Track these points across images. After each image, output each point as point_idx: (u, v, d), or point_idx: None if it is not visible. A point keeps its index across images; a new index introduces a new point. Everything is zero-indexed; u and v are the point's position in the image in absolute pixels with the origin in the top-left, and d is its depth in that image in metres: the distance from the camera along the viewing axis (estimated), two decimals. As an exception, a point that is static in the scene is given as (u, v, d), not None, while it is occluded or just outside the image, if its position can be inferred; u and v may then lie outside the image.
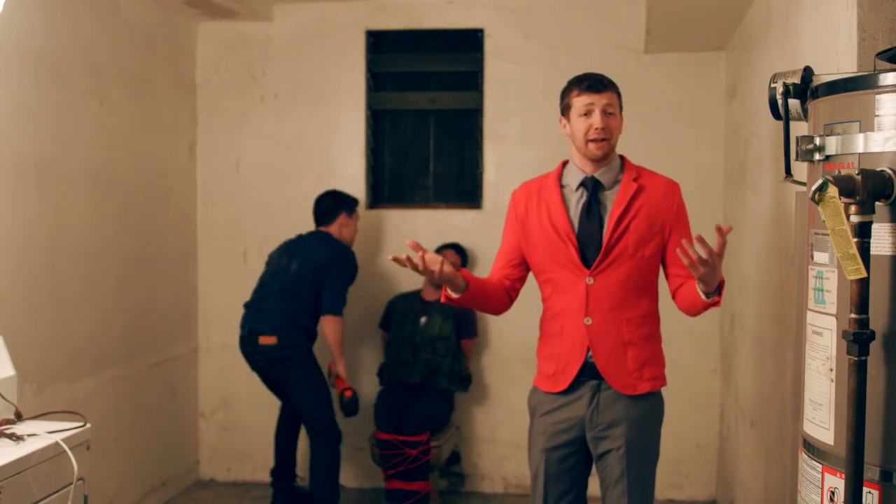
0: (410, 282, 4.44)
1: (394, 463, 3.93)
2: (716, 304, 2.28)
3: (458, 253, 4.32)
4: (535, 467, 2.53)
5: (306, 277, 3.94)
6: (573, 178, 2.50)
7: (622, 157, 2.53)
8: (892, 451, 1.50)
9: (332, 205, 4.14)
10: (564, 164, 2.56)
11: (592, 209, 2.45)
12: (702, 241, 2.05)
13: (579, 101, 2.42)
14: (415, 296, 4.37)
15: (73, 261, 3.46)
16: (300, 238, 4.12)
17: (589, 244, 2.43)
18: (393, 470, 3.94)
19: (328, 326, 3.94)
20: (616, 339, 2.42)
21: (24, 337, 3.08)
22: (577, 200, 2.48)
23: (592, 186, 2.47)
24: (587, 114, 2.41)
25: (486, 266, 4.36)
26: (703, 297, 2.26)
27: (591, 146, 2.41)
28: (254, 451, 4.50)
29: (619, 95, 2.46)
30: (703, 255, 2.06)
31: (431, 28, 4.50)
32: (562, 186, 2.51)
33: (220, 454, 4.58)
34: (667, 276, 2.50)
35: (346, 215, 4.13)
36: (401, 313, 4.32)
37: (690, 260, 2.07)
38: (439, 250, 4.28)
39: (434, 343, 4.21)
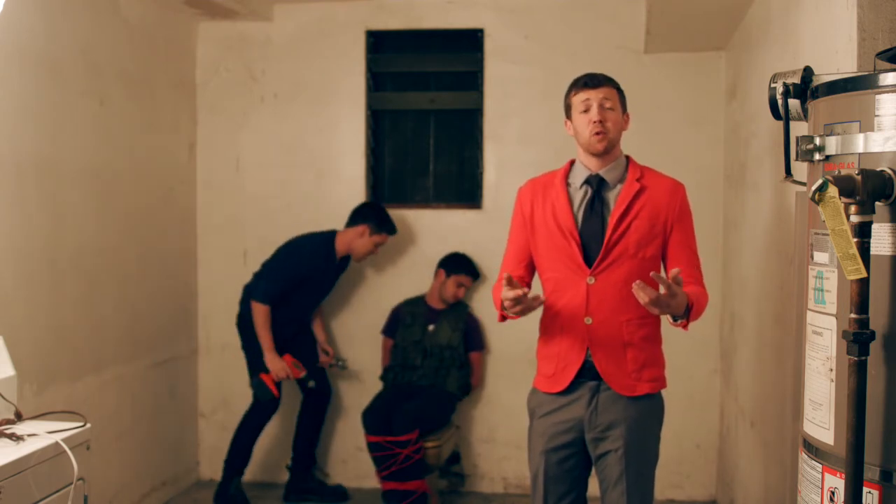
0: (413, 287, 4.45)
1: (387, 465, 3.93)
2: (683, 326, 2.37)
3: (469, 273, 4.31)
4: (534, 469, 2.53)
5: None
6: (578, 176, 2.52)
7: (628, 157, 2.54)
8: (892, 451, 1.50)
9: (362, 213, 4.18)
10: (572, 163, 2.57)
11: (595, 207, 2.46)
12: (641, 286, 2.13)
13: (577, 99, 2.46)
14: (420, 301, 4.36)
15: (73, 261, 3.46)
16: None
17: (591, 243, 2.44)
18: (386, 471, 3.94)
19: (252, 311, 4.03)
20: (616, 339, 2.43)
21: (24, 337, 3.08)
22: (581, 198, 2.49)
23: (597, 184, 2.48)
24: (586, 110, 2.44)
25: (486, 265, 4.38)
26: (670, 320, 2.34)
27: (594, 139, 2.43)
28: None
29: (619, 92, 2.49)
30: (645, 299, 2.13)
31: (431, 28, 4.50)
32: (568, 184, 2.53)
33: (220, 454, 4.57)
34: (667, 273, 2.50)
35: (367, 228, 4.12)
36: (410, 317, 4.31)
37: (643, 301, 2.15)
38: (446, 262, 4.29)
39: (442, 352, 4.23)
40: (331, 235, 4.16)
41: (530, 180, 2.62)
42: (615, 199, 2.46)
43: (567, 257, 2.45)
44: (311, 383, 4.19)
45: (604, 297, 2.42)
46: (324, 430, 4.54)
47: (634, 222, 2.43)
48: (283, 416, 4.40)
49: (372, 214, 4.16)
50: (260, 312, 3.98)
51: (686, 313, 2.30)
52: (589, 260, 2.44)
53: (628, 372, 2.43)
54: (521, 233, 2.58)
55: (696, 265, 2.49)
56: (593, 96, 2.43)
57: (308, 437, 4.31)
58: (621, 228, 2.42)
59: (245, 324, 4.09)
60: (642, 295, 2.13)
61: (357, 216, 4.17)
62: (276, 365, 4.01)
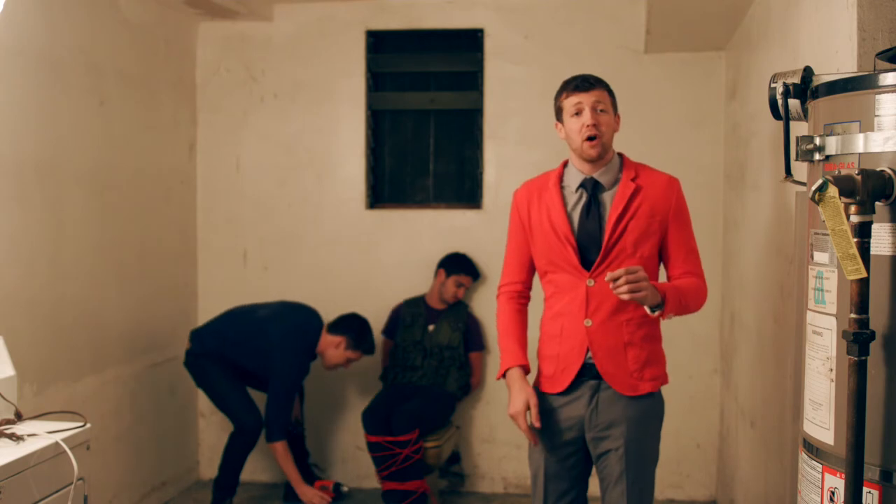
0: (413, 287, 4.45)
1: (386, 465, 3.93)
2: (662, 315, 2.34)
3: (469, 273, 4.30)
4: (535, 467, 2.53)
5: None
6: (573, 179, 2.50)
7: (621, 156, 2.53)
8: (892, 451, 1.50)
9: (345, 323, 4.04)
10: (566, 164, 2.55)
11: (592, 210, 2.45)
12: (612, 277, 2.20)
13: (569, 102, 2.43)
14: (421, 301, 4.37)
15: (74, 261, 3.46)
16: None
17: (589, 246, 2.44)
18: (386, 471, 3.94)
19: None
20: (616, 340, 2.42)
21: (24, 337, 3.08)
22: (576, 202, 2.48)
23: (592, 187, 2.47)
24: (578, 113, 2.41)
25: (486, 265, 4.38)
26: (647, 311, 2.32)
27: (586, 145, 2.41)
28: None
29: (610, 93, 2.46)
30: (623, 288, 2.18)
31: (431, 28, 4.50)
32: (562, 187, 2.51)
33: (219, 454, 4.56)
34: (666, 270, 2.50)
35: (345, 341, 4.00)
36: (410, 317, 4.31)
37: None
38: (446, 262, 4.29)
39: (442, 352, 4.23)
40: (318, 330, 4.03)
41: (525, 183, 2.61)
42: (611, 199, 2.45)
43: (564, 261, 2.45)
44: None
45: (604, 298, 2.41)
46: (322, 429, 4.55)
47: (632, 222, 2.42)
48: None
49: (354, 329, 4.03)
50: (280, 451, 3.91)
51: (662, 304, 2.28)
52: (587, 262, 2.43)
53: (630, 372, 2.43)
54: (519, 236, 2.57)
55: (695, 259, 2.47)
56: (585, 100, 2.40)
57: (293, 433, 4.26)
58: (619, 229, 2.41)
59: (195, 363, 3.99)
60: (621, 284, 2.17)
61: (340, 325, 4.04)
62: (309, 495, 3.99)
